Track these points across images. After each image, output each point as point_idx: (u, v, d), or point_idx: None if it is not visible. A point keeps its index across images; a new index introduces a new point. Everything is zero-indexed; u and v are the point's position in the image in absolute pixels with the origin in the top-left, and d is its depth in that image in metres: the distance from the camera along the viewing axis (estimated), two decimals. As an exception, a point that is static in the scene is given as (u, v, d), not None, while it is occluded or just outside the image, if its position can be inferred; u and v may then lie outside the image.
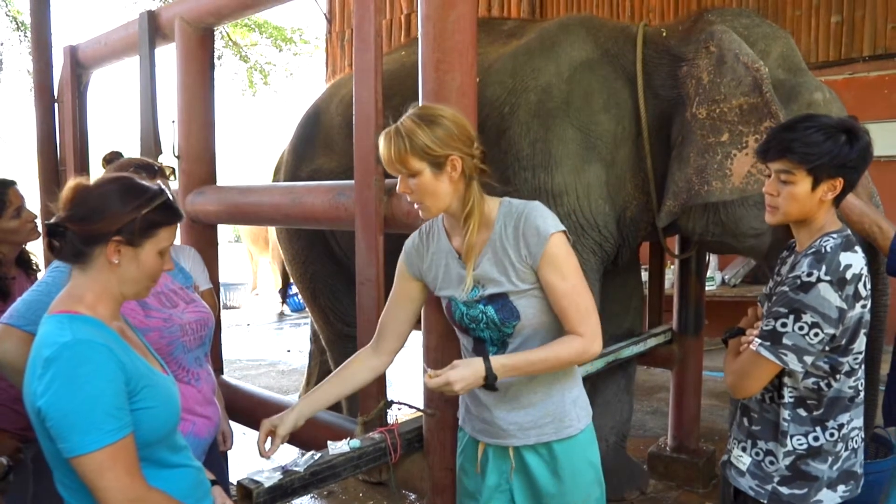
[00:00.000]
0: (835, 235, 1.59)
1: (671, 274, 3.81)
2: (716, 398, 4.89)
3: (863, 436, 1.69)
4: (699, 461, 3.55)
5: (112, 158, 2.36)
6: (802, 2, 6.19)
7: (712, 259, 6.14)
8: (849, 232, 1.62)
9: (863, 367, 1.61)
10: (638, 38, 2.81)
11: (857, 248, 1.57)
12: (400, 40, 8.50)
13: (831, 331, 1.52)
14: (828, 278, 1.50)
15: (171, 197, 1.40)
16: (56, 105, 3.75)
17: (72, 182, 1.33)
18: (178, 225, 1.45)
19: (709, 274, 5.31)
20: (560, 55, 2.80)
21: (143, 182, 1.39)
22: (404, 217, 1.96)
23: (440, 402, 1.94)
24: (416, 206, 1.63)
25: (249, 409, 2.63)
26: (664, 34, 2.82)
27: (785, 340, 1.54)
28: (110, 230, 1.30)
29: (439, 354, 1.93)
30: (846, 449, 1.64)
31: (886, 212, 2.37)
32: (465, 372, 1.52)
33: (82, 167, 3.60)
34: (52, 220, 1.31)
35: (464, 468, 1.82)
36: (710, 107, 2.52)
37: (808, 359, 1.55)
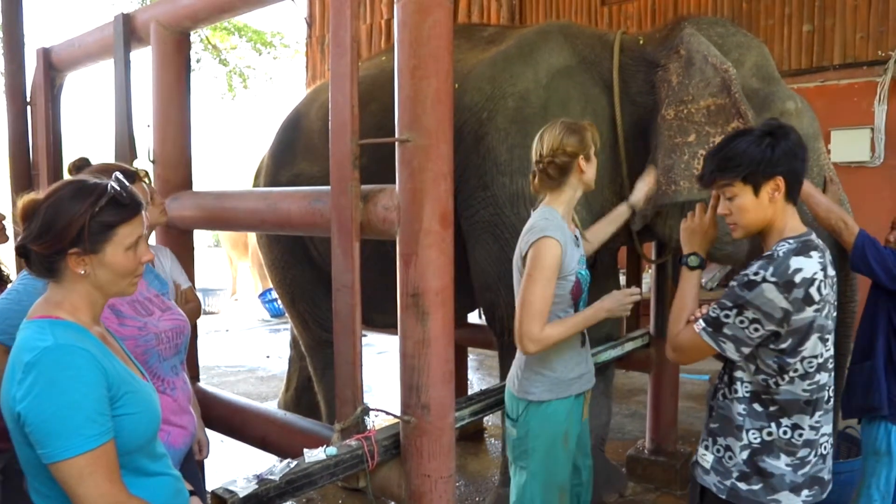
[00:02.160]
0: (791, 241, 1.63)
1: (648, 278, 3.84)
2: (693, 400, 4.93)
3: (832, 441, 1.70)
4: (677, 463, 3.58)
5: (81, 165, 2.30)
6: (775, 11, 6.30)
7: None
8: (809, 238, 1.64)
9: (823, 372, 1.62)
10: (615, 45, 2.83)
11: (814, 253, 1.59)
12: (380, 45, 8.50)
13: (772, 328, 1.57)
14: (773, 280, 1.55)
15: (119, 191, 1.32)
16: (29, 108, 3.70)
17: (22, 198, 1.30)
18: (144, 216, 1.38)
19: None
20: (538, 62, 2.82)
21: (93, 181, 1.33)
22: (380, 223, 1.96)
23: (417, 408, 1.94)
24: None
25: (226, 417, 2.61)
26: (641, 42, 2.85)
27: (725, 330, 1.63)
28: (64, 244, 1.26)
29: (416, 361, 1.93)
30: (815, 455, 1.65)
31: (856, 216, 2.42)
32: None
33: (55, 171, 3.55)
34: (17, 243, 1.30)
35: (570, 430, 2.15)
36: (677, 107, 2.55)
37: (745, 350, 1.63)
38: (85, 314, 1.32)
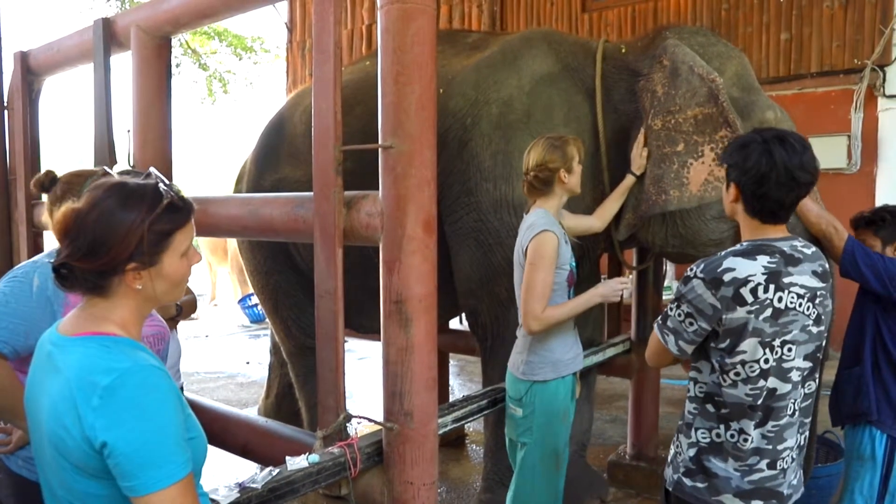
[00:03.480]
0: (745, 244, 1.66)
1: (629, 285, 3.87)
2: (674, 406, 4.97)
3: (794, 456, 1.69)
4: (658, 469, 3.59)
5: (48, 182, 1.96)
6: (754, 19, 6.39)
7: (669, 268, 6.26)
8: (767, 243, 1.63)
9: (776, 380, 1.61)
10: (598, 53, 2.86)
11: (762, 256, 1.59)
12: (361, 51, 8.50)
13: (705, 325, 1.61)
14: (702, 276, 1.61)
15: (171, 193, 1.20)
16: (6, 112, 3.64)
17: (62, 210, 1.16)
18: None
19: (666, 283, 5.41)
20: (522, 68, 2.83)
21: (135, 183, 1.20)
22: (363, 230, 1.95)
23: (400, 415, 1.93)
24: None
25: (206, 424, 2.55)
26: (623, 50, 2.88)
27: (668, 323, 1.69)
28: (121, 260, 1.14)
29: (399, 368, 1.92)
30: (769, 466, 1.64)
31: (833, 224, 2.45)
32: None
33: (33, 176, 3.49)
34: (56, 261, 1.15)
35: (568, 407, 2.42)
36: (665, 118, 2.57)
37: (684, 345, 1.67)
38: (134, 328, 1.21)
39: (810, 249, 1.67)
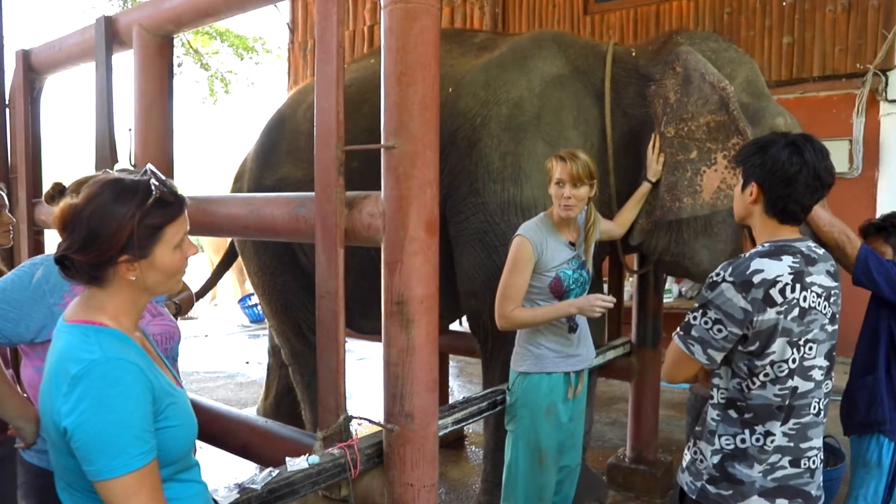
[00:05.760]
0: (767, 244, 1.65)
1: (630, 287, 3.86)
2: (673, 409, 4.96)
3: (822, 457, 1.70)
4: (657, 472, 3.59)
5: (57, 193, 2.20)
6: (756, 23, 6.39)
7: (670, 272, 6.26)
8: (788, 244, 1.64)
9: (801, 380, 1.62)
10: (608, 56, 2.85)
11: (787, 257, 1.60)
12: (363, 52, 8.49)
13: (736, 330, 1.58)
14: (731, 279, 1.58)
15: (163, 188, 1.26)
16: (7, 110, 3.64)
17: (61, 205, 1.23)
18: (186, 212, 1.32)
19: (666, 287, 5.40)
20: (532, 70, 2.83)
21: (130, 179, 1.26)
22: (365, 230, 1.95)
23: (400, 417, 1.93)
24: (570, 205, 2.35)
25: (205, 424, 2.55)
26: (633, 54, 2.88)
27: (693, 332, 1.65)
28: (113, 252, 1.20)
29: (399, 369, 1.92)
30: (793, 464, 1.65)
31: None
32: None
33: (34, 175, 3.49)
34: (57, 254, 1.23)
35: (554, 405, 2.45)
36: (678, 125, 2.58)
37: (714, 353, 1.63)
38: (128, 319, 1.28)
39: (821, 250, 1.70)
